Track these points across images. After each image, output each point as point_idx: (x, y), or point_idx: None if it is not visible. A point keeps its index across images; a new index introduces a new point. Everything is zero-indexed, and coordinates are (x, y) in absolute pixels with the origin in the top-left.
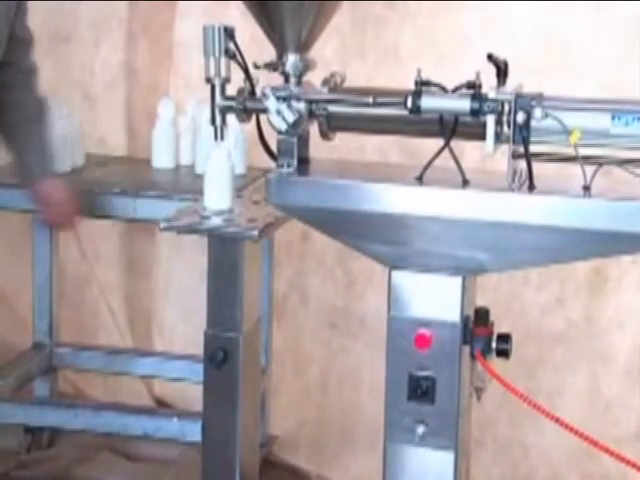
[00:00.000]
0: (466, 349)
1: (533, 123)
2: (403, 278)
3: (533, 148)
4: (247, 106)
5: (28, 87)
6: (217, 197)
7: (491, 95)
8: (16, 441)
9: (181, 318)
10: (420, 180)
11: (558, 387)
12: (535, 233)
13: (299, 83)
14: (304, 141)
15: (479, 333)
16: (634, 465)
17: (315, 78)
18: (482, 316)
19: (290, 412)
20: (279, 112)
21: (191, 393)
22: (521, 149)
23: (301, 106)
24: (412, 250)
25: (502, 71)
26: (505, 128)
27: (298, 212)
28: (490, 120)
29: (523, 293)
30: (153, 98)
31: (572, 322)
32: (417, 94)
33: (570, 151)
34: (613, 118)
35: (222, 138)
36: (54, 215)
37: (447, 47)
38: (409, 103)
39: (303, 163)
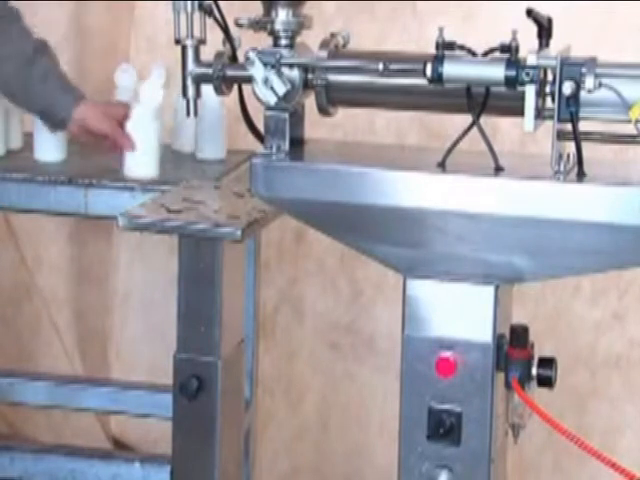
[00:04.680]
0: (500, 377)
1: (583, 95)
2: (421, 288)
3: (583, 126)
4: (227, 74)
5: (9, 35)
6: (139, 163)
7: (531, 60)
8: None
9: (145, 338)
10: (443, 166)
11: (615, 424)
12: (586, 232)
13: (292, 45)
14: (298, 118)
15: (516, 357)
16: None
17: (312, 39)
18: (520, 335)
19: (281, 456)
20: (267, 82)
21: (157, 432)
22: (568, 127)
23: (294, 74)
24: (432, 253)
25: (545, 30)
26: (548, 101)
27: (291, 206)
28: (530, 91)
29: (571, 307)
30: (110, 63)
31: (633, 343)
32: (439, 59)
33: (630, 130)
34: None
35: (195, 113)
36: (106, 141)
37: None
38: (429, 70)
39: (297, 145)
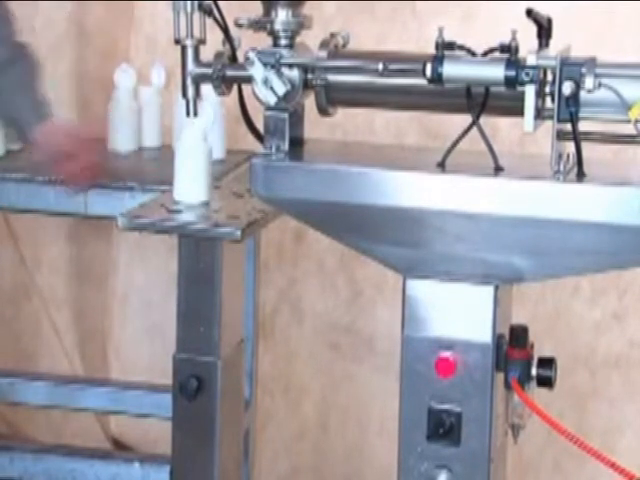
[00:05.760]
0: (499, 377)
1: (583, 95)
2: (420, 288)
3: (583, 126)
4: (226, 74)
5: None
6: (190, 188)
7: (530, 60)
8: None
9: (144, 338)
10: (442, 166)
11: (615, 424)
12: (585, 232)
13: (291, 45)
14: (298, 118)
15: (516, 357)
16: None
17: (312, 39)
18: (519, 336)
19: (281, 456)
20: (267, 82)
21: (156, 432)
22: (568, 127)
23: (294, 74)
24: (432, 253)
25: (545, 30)
26: (548, 101)
27: (290, 206)
28: (529, 91)
29: (571, 307)
30: (109, 63)
31: (633, 343)
32: (438, 59)
33: (629, 130)
34: None
35: (195, 114)
36: (60, 169)
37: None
38: (428, 71)
39: (296, 145)
